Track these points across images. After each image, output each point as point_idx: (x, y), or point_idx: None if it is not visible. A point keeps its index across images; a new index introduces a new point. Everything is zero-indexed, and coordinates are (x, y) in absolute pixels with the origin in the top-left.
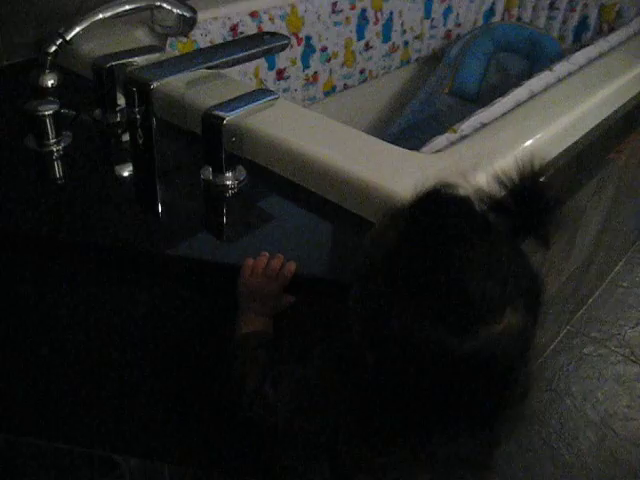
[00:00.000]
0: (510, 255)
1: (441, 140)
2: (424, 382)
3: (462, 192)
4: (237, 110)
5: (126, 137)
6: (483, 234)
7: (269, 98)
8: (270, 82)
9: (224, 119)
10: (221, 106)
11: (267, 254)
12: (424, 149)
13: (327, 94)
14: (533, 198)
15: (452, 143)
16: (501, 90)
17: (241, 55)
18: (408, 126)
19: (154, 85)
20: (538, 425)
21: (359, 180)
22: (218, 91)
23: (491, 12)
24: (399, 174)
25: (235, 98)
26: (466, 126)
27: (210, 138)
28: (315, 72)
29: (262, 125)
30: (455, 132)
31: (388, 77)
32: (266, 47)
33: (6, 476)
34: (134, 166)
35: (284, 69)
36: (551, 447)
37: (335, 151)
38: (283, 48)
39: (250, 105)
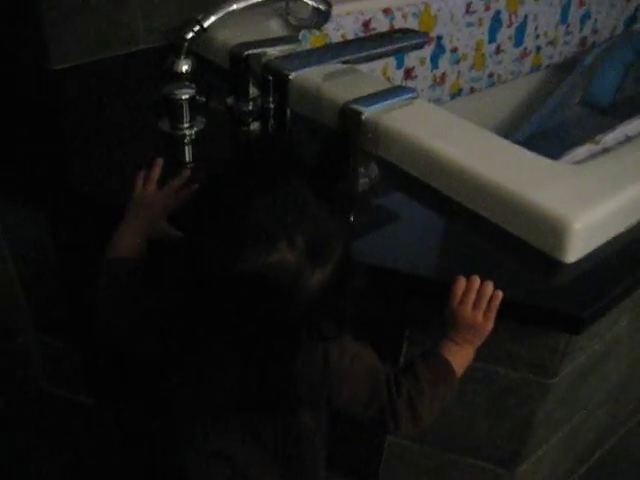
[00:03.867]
0: (303, 203)
1: (581, 151)
2: (206, 293)
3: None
4: (375, 105)
5: (255, 126)
6: (283, 179)
7: (408, 96)
8: (397, 81)
9: (362, 113)
10: (359, 100)
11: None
12: (564, 159)
13: (453, 96)
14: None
15: (593, 155)
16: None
17: (380, 50)
18: (534, 135)
19: (292, 75)
20: None
21: (497, 187)
22: (354, 86)
23: (633, 19)
24: (539, 184)
25: (373, 93)
26: (610, 138)
27: (346, 132)
28: (443, 73)
29: (399, 123)
30: (597, 144)
31: (517, 83)
32: (405, 44)
33: None
34: None
35: (412, 68)
36: None
37: (472, 155)
38: (421, 46)
39: (388, 101)
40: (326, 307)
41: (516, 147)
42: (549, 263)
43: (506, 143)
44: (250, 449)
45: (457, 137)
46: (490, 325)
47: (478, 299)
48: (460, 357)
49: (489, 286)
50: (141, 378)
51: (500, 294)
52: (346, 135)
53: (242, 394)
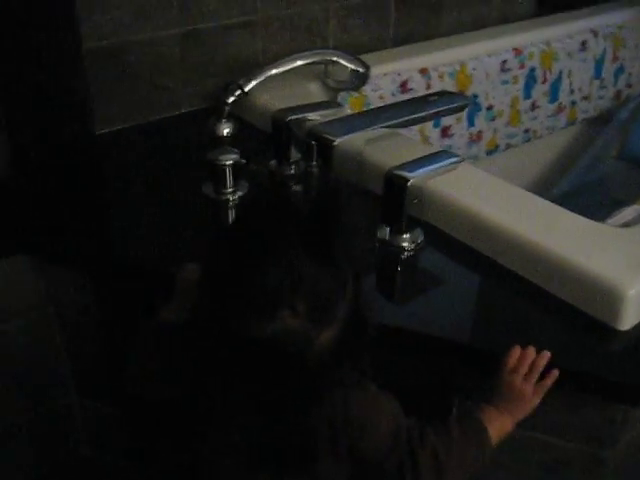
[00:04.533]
0: (300, 267)
1: (629, 212)
2: (218, 362)
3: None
4: (420, 171)
5: (297, 189)
6: (277, 246)
7: (453, 160)
8: (434, 139)
9: (409, 180)
10: (404, 166)
11: None
12: (610, 221)
13: (489, 153)
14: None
15: None
16: None
17: (423, 114)
18: (571, 190)
19: (337, 142)
20: None
21: (547, 252)
22: (398, 150)
23: None
24: (590, 249)
25: (418, 159)
26: None
27: (391, 198)
28: (479, 131)
29: (444, 188)
30: None
31: (552, 138)
32: (448, 107)
33: None
34: None
35: (449, 127)
36: None
37: (520, 220)
38: (464, 108)
39: (433, 166)
40: (341, 358)
41: (565, 211)
42: (602, 330)
43: (554, 207)
44: None
45: (503, 201)
46: (537, 400)
47: (530, 371)
48: (499, 425)
49: (544, 359)
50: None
51: (556, 372)
52: (335, 190)
53: (263, 446)
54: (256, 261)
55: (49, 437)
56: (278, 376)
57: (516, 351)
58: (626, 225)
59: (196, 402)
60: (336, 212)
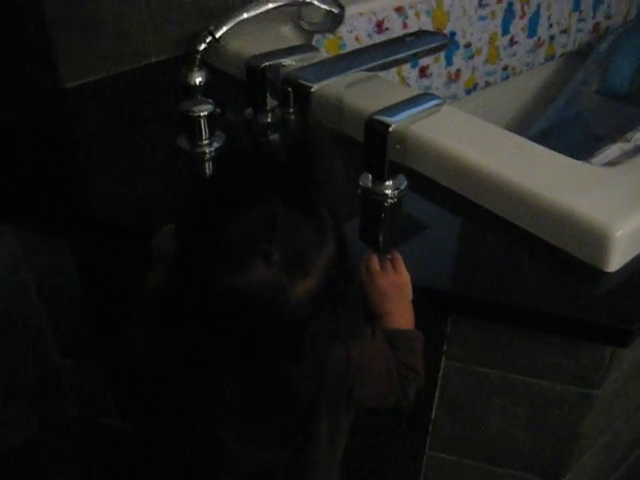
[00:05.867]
0: (275, 217)
1: (613, 150)
2: (195, 318)
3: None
4: (402, 115)
5: (275, 138)
6: (253, 195)
7: (435, 103)
8: (412, 80)
9: (390, 125)
10: (385, 111)
11: None
12: (594, 160)
13: (468, 92)
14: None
15: (626, 154)
16: None
17: (403, 56)
18: (551, 126)
19: (315, 88)
20: None
21: (533, 195)
22: (378, 95)
23: None
24: (577, 190)
25: (399, 103)
26: None
27: (373, 144)
28: (458, 69)
29: (427, 132)
30: (628, 141)
31: (531, 74)
32: (428, 47)
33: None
34: None
35: (427, 67)
36: None
37: (505, 162)
38: (443, 48)
39: (415, 110)
40: (323, 310)
41: (551, 152)
42: (590, 273)
43: (540, 148)
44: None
45: (488, 144)
46: (406, 274)
47: (382, 265)
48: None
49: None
50: (165, 396)
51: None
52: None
53: (252, 403)
54: (228, 211)
55: (37, 399)
56: (253, 328)
57: (362, 263)
58: (610, 164)
59: (182, 363)
60: (315, 159)
